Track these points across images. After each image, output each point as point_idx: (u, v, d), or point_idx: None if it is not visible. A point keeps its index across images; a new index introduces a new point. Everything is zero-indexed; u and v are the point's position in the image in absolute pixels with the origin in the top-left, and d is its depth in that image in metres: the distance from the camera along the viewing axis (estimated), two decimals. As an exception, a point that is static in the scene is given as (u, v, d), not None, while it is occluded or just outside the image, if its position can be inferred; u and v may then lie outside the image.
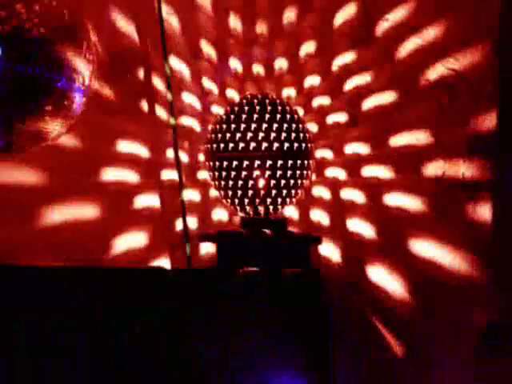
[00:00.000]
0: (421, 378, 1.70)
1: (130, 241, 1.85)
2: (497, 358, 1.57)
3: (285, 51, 1.95)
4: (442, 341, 1.66)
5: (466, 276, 1.60)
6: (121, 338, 1.50)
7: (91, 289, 1.51)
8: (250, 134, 1.67)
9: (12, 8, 1.29)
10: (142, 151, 1.90)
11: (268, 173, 1.68)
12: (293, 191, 1.72)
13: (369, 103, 1.82)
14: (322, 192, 1.92)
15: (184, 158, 1.94)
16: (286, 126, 1.68)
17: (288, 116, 1.70)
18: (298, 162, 1.69)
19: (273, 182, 1.68)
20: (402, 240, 1.72)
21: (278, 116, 1.69)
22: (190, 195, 1.94)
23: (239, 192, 1.70)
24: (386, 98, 1.78)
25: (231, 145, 1.68)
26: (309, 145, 1.72)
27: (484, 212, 1.57)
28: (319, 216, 1.92)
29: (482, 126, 1.58)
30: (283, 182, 1.69)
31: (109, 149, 1.84)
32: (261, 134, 1.67)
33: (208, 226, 1.95)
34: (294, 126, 1.70)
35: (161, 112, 1.91)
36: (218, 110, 1.96)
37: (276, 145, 1.67)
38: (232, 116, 1.70)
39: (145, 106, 1.90)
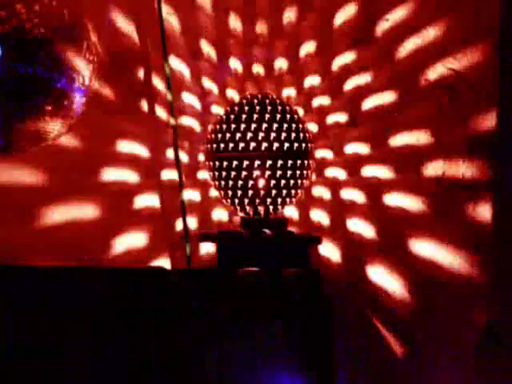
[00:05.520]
0: (421, 378, 1.70)
1: (130, 241, 1.85)
2: (497, 357, 1.57)
3: (285, 51, 1.95)
4: (442, 341, 1.66)
5: (466, 276, 1.60)
6: (121, 338, 1.50)
7: (91, 289, 1.51)
8: (249, 134, 1.67)
9: (12, 8, 1.29)
10: (142, 151, 1.90)
11: (268, 173, 1.68)
12: (293, 191, 1.72)
13: (369, 103, 1.82)
14: (322, 192, 1.92)
15: (184, 158, 1.95)
16: (286, 125, 1.68)
17: (288, 116, 1.70)
18: (298, 161, 1.69)
19: (273, 182, 1.68)
20: (402, 240, 1.72)
21: (278, 116, 1.69)
22: (190, 195, 1.94)
23: (239, 192, 1.70)
24: (386, 98, 1.78)
25: (231, 145, 1.68)
26: (309, 145, 1.72)
27: (484, 212, 1.57)
28: (319, 216, 1.92)
29: (481, 126, 1.58)
30: (283, 181, 1.69)
31: (109, 149, 1.84)
32: (261, 134, 1.67)
33: (208, 226, 1.95)
34: (293, 125, 1.70)
35: (161, 112, 1.92)
36: (218, 110, 1.96)
37: (276, 145, 1.67)
38: (232, 116, 1.70)
39: (145, 106, 1.90)
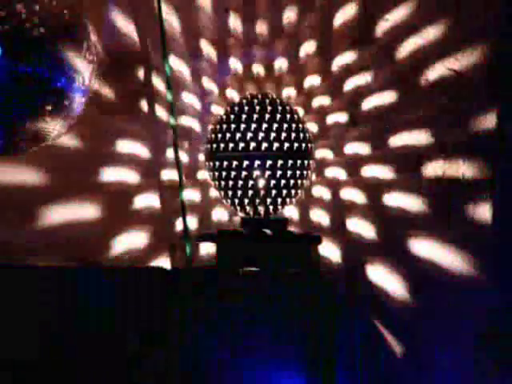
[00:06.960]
0: (421, 378, 1.70)
1: (130, 241, 1.85)
2: (497, 358, 1.57)
3: (285, 51, 1.95)
4: (442, 341, 1.66)
5: (466, 276, 1.60)
6: (121, 338, 1.50)
7: (91, 289, 1.51)
8: (249, 134, 1.67)
9: (12, 8, 1.29)
10: (142, 151, 1.90)
11: (268, 173, 1.67)
12: (293, 191, 1.72)
13: (369, 103, 1.82)
14: (322, 192, 1.92)
15: (184, 158, 1.95)
16: (285, 126, 1.68)
17: (288, 116, 1.70)
18: (298, 161, 1.69)
19: (273, 182, 1.68)
20: (402, 240, 1.72)
21: (278, 116, 1.69)
22: (190, 195, 1.94)
23: (239, 192, 1.70)
24: (386, 98, 1.78)
25: (231, 145, 1.68)
26: (309, 145, 1.72)
27: (484, 212, 1.57)
28: (319, 216, 1.92)
29: (481, 126, 1.58)
30: (283, 181, 1.69)
31: (109, 149, 1.85)
32: (261, 134, 1.66)
33: (208, 226, 1.95)
34: (293, 125, 1.70)
35: (161, 112, 1.92)
36: (218, 110, 1.96)
37: (276, 145, 1.67)
38: (232, 116, 1.70)
39: (145, 106, 1.90)
